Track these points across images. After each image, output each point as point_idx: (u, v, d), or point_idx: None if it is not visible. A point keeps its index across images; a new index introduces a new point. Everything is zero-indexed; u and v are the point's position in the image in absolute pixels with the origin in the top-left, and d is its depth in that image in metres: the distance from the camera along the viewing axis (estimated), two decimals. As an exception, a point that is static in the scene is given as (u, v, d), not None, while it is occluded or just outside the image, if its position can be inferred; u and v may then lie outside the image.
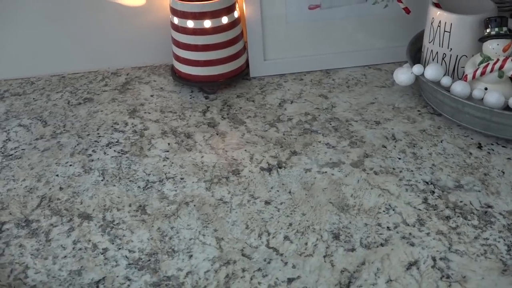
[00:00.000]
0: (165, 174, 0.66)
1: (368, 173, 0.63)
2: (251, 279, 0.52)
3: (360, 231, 0.56)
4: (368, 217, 0.57)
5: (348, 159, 0.66)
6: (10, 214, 0.62)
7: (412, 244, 0.54)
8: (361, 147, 0.68)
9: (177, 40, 0.80)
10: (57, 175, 0.67)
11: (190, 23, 0.77)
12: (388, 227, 0.56)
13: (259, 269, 0.53)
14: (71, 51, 0.88)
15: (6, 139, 0.74)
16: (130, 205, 0.62)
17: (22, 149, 0.72)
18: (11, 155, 0.71)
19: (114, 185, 0.65)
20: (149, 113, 0.78)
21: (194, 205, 0.61)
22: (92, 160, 0.69)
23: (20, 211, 0.62)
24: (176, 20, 0.79)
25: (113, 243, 0.57)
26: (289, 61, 0.85)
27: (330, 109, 0.76)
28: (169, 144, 0.71)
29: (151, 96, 0.82)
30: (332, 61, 0.86)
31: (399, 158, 0.66)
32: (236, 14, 0.80)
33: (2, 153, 0.72)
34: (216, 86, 0.82)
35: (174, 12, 0.79)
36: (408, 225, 0.56)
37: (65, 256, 0.56)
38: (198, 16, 0.77)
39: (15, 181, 0.67)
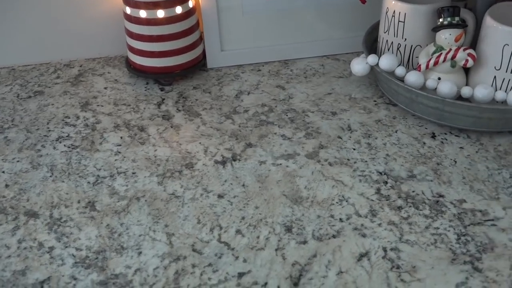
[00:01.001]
0: (116, 168, 0.64)
1: (322, 165, 0.63)
2: (201, 274, 0.51)
3: (313, 223, 0.55)
4: (321, 209, 0.57)
5: (303, 150, 0.66)
6: (-48, 213, 0.59)
7: (364, 235, 0.54)
8: (317, 138, 0.67)
9: (130, 31, 0.78)
10: (3, 172, 0.65)
11: (142, 13, 0.75)
12: (340, 219, 0.56)
13: (210, 264, 0.52)
14: (21, 43, 0.85)
15: (-50, 135, 0.71)
16: (79, 202, 0.60)
17: (-33, 145, 0.69)
18: (-45, 151, 0.68)
19: (63, 181, 0.63)
20: (102, 106, 0.76)
21: (145, 200, 0.60)
22: (41, 156, 0.67)
23: (-37, 210, 0.60)
24: (128, 10, 0.76)
25: (59, 241, 0.55)
26: (247, 51, 0.84)
27: (287, 100, 0.75)
28: (121, 137, 0.69)
29: (105, 88, 0.80)
30: (290, 52, 0.85)
31: (354, 149, 0.65)
32: (190, 3, 0.78)
33: None
34: (172, 78, 0.80)
35: (127, 1, 0.76)
36: (361, 216, 0.56)
37: (9, 256, 0.54)
38: (151, 6, 0.75)
39: (-42, 179, 0.64)
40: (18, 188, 0.62)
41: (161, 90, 0.79)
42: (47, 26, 0.84)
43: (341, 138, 0.67)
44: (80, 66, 0.86)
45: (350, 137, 0.67)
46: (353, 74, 0.77)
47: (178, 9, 0.76)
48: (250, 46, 0.84)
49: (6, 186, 0.63)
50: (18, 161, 0.66)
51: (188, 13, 0.78)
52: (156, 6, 0.75)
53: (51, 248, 0.54)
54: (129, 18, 0.77)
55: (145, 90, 0.79)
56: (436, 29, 0.68)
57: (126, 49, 0.83)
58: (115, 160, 0.66)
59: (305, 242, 0.53)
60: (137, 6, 0.75)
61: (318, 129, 0.69)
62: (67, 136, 0.70)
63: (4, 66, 0.86)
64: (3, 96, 0.79)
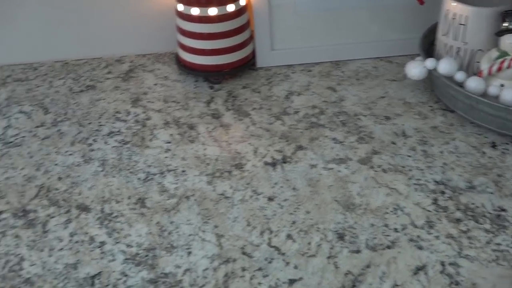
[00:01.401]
0: (166, 166, 0.64)
1: (376, 171, 0.61)
2: (251, 279, 0.50)
3: (366, 232, 0.54)
4: (375, 217, 0.55)
5: (355, 155, 0.64)
6: (8, 203, 0.60)
7: (420, 248, 0.52)
8: (370, 143, 0.66)
9: (182, 28, 0.78)
10: (56, 164, 0.66)
11: (195, 10, 0.75)
12: (395, 229, 0.54)
13: (260, 269, 0.51)
14: (75, 37, 0.86)
15: (7, 126, 0.73)
16: (129, 198, 0.60)
17: (22, 137, 0.71)
18: (11, 142, 0.70)
19: (114, 176, 0.63)
20: (152, 102, 0.76)
21: (195, 200, 0.59)
22: (93, 150, 0.68)
23: (18, 200, 0.61)
24: (181, 7, 0.76)
25: (110, 237, 0.55)
26: (297, 51, 0.83)
27: (338, 103, 0.74)
28: (171, 135, 0.69)
29: (155, 84, 0.80)
30: (342, 52, 0.83)
31: (409, 156, 0.63)
32: (243, 1, 0.77)
33: (2, 140, 0.70)
34: (222, 76, 0.80)
35: (180, -2, 0.76)
36: (417, 227, 0.54)
37: (61, 249, 0.55)
38: (204, 3, 0.74)
39: (14, 169, 0.65)
40: (70, 181, 0.63)
41: (211, 88, 0.78)
42: (100, 21, 0.85)
43: (395, 144, 0.65)
44: (131, 62, 0.86)
45: (405, 144, 0.65)
46: (407, 78, 0.75)
47: (230, 7, 0.75)
48: (300, 46, 0.83)
49: (59, 179, 0.63)
50: (70, 154, 0.67)
51: (240, 11, 0.77)
52: (208, 3, 0.74)
53: (102, 243, 0.55)
54: (181, 15, 0.77)
55: (195, 88, 0.79)
56: (500, 33, 0.65)
57: (175, 46, 0.83)
58: (165, 157, 0.66)
59: (358, 251, 0.52)
60: (189, 3, 0.75)
61: (371, 133, 0.67)
62: (118, 132, 0.71)
63: (58, 60, 0.87)
64: (57, 89, 0.80)
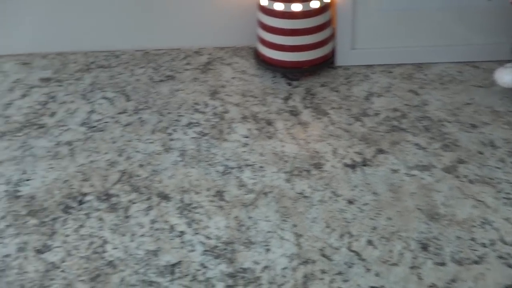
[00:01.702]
0: (244, 160, 0.65)
1: (462, 181, 0.59)
2: (331, 282, 0.49)
3: (452, 244, 0.52)
4: (461, 230, 0.53)
5: (439, 163, 0.62)
6: (92, 186, 0.63)
7: (511, 266, 0.49)
8: (455, 152, 0.63)
9: (264, 23, 0.78)
10: (137, 151, 0.67)
11: (279, 6, 0.74)
12: (483, 244, 0.52)
13: (340, 273, 0.50)
14: (155, 28, 0.88)
15: (91, 111, 0.75)
16: (208, 190, 0.61)
17: (105, 122, 0.73)
18: (95, 127, 0.72)
19: (193, 167, 0.64)
20: (230, 95, 0.77)
21: (273, 197, 0.59)
22: (172, 140, 0.69)
23: (101, 184, 0.63)
24: (264, 2, 0.76)
25: (190, 227, 0.56)
26: (378, 51, 0.81)
27: (421, 107, 0.71)
28: (249, 129, 0.70)
29: (233, 78, 0.81)
30: (425, 55, 0.80)
31: (498, 168, 0.60)
32: (328, -2, 0.76)
33: (87, 124, 0.73)
34: (300, 73, 0.79)
35: (264, -7, 0.76)
36: (506, 243, 0.51)
37: (142, 235, 0.56)
38: (289, -2, 0.74)
39: (98, 153, 0.67)
40: (151, 169, 0.64)
41: (288, 85, 0.78)
42: (180, 13, 0.87)
43: (482, 154, 0.62)
44: (209, 54, 0.87)
45: (493, 154, 0.62)
46: (495, 85, 0.71)
47: (315, 4, 0.75)
48: (382, 46, 0.81)
49: (140, 165, 0.65)
50: (151, 142, 0.69)
51: (324, 8, 0.76)
52: (293, -1, 0.74)
53: (182, 233, 0.56)
54: (264, 10, 0.77)
55: (272, 84, 0.79)
56: None
57: (253, 40, 0.83)
58: (243, 151, 0.66)
59: (443, 264, 0.50)
60: (274, -2, 0.75)
61: (456, 141, 0.65)
62: (196, 123, 0.72)
63: (139, 49, 0.90)
64: (138, 77, 0.82)
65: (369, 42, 0.81)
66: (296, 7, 0.74)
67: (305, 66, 0.78)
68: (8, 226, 0.58)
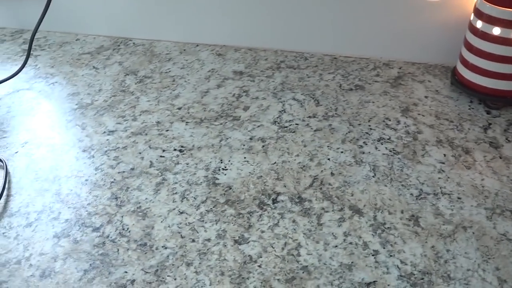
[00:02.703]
0: (440, 188, 0.63)
1: None
2: None
3: None
4: None
5: None
6: (285, 186, 0.65)
7: None
8: None
9: (472, 44, 0.74)
10: (328, 159, 0.69)
11: (496, 30, 0.70)
12: None
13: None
14: (346, 34, 0.89)
15: (282, 110, 0.78)
16: (402, 212, 0.60)
17: (296, 124, 0.75)
18: (286, 127, 0.75)
19: (386, 185, 0.64)
20: (423, 115, 0.75)
21: (473, 233, 0.57)
22: (363, 153, 0.69)
23: (294, 186, 0.65)
24: (478, 24, 0.72)
25: (384, 248, 0.56)
26: None
27: None
28: (445, 155, 0.67)
29: (425, 97, 0.78)
30: None
31: None
32: (551, 28, 0.70)
33: (278, 123, 0.76)
34: (501, 102, 0.74)
35: (479, 14, 0.72)
36: None
37: (335, 246, 0.57)
38: (508, 24, 0.69)
39: (290, 155, 0.70)
40: (342, 180, 0.65)
41: (487, 113, 0.74)
42: (372, 21, 0.86)
43: None
44: (400, 68, 0.86)
45: None
46: None
47: (534, 32, 0.69)
48: None
49: (332, 174, 0.66)
50: (342, 152, 0.70)
51: (543, 37, 0.71)
52: (511, 25, 0.69)
53: (376, 252, 0.56)
54: (475, 32, 0.73)
55: (469, 109, 0.75)
56: None
57: (447, 58, 0.80)
58: (439, 178, 0.64)
59: None
60: (491, 21, 0.71)
61: None
62: (388, 139, 0.71)
63: (328, 54, 0.91)
64: (327, 83, 0.84)
65: None
66: (512, 33, 0.70)
67: (509, 96, 0.73)
68: (208, 211, 0.62)
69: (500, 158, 0.66)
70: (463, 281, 0.52)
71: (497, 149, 0.67)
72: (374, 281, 0.53)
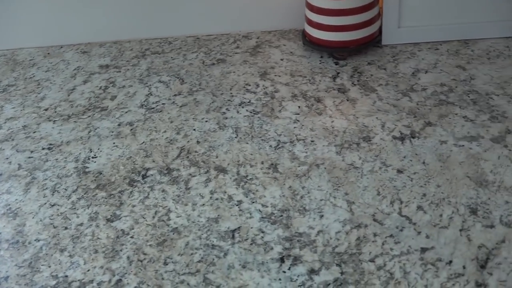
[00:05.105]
0: (295, 135, 0.68)
1: (510, 150, 0.60)
2: (383, 244, 0.52)
3: (500, 208, 0.53)
4: (510, 195, 0.55)
5: (487, 134, 0.63)
6: (153, 161, 0.67)
7: (561, 228, 0.50)
8: (503, 123, 0.64)
9: (311, 4, 0.80)
10: (194, 130, 0.72)
11: (326, -13, 0.77)
12: (533, 207, 0.53)
13: (391, 235, 0.53)
14: (204, 14, 0.92)
15: (148, 93, 0.80)
16: (262, 163, 0.64)
17: (163, 104, 0.78)
18: (153, 108, 0.77)
19: (247, 143, 0.68)
20: (279, 76, 0.80)
21: (325, 168, 0.62)
22: (226, 118, 0.73)
23: (162, 159, 0.67)
24: (312, -16, 0.79)
25: (247, 197, 0.60)
26: (424, 29, 0.82)
27: (468, 81, 0.72)
28: (299, 107, 0.73)
29: (281, 60, 0.84)
30: (472, 31, 0.81)
31: (547, 137, 0.61)
32: (374, -22, 0.78)
33: (145, 106, 0.78)
34: (347, 53, 0.81)
35: (311, -25, 0.78)
36: (557, 207, 0.53)
37: (203, 204, 0.60)
38: (335, -20, 0.76)
39: (157, 132, 0.72)
40: (207, 145, 0.68)
41: (336, 64, 0.80)
42: (229, -1, 0.90)
43: (531, 124, 0.63)
44: (258, 38, 0.90)
45: (543, 124, 0.63)
46: (545, 58, 0.71)
47: (360, -16, 0.76)
48: (428, 24, 0.82)
49: (198, 142, 0.69)
50: (206, 121, 0.73)
51: (370, -12, 0.78)
52: (339, -20, 0.76)
53: (240, 202, 0.60)
54: (311, -8, 0.79)
55: (320, 63, 0.81)
56: None
57: (299, 23, 0.85)
58: (294, 127, 0.69)
59: (492, 226, 0.52)
60: (321, -20, 0.77)
61: (504, 113, 0.66)
62: (248, 102, 0.75)
63: (191, 35, 0.94)
64: (191, 62, 0.87)
65: (415, 20, 0.82)
66: (342, -12, 0.76)
67: (352, 46, 0.80)
68: (79, 198, 0.63)
69: (348, 100, 0.72)
70: (317, 210, 0.57)
71: (344, 94, 0.74)
72: (239, 227, 0.56)
